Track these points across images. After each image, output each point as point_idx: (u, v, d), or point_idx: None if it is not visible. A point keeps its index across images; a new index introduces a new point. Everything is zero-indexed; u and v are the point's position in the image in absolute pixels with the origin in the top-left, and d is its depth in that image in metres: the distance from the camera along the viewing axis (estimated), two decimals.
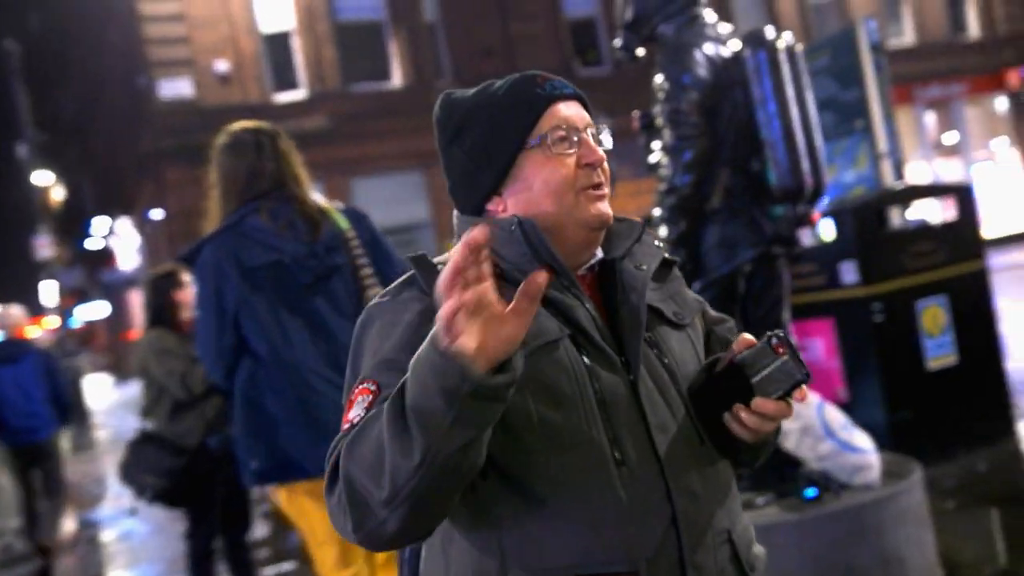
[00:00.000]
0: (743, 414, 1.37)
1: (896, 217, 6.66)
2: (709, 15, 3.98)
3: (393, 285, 1.46)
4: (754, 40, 3.82)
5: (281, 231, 3.03)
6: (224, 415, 4.10)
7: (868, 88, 6.74)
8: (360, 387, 1.33)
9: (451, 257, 1.12)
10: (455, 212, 1.55)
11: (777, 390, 1.34)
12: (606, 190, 1.45)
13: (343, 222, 3.18)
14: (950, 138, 26.29)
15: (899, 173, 6.87)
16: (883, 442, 4.53)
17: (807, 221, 4.05)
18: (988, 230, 25.84)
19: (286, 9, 19.51)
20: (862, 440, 3.99)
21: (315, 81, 19.56)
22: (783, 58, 3.78)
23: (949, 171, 25.84)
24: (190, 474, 4.47)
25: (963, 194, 6.28)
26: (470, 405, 1.12)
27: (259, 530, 6.39)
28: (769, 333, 1.36)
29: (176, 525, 5.86)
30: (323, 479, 1.30)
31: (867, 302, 5.54)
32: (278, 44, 19.58)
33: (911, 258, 5.72)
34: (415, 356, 1.17)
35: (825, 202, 5.52)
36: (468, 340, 1.10)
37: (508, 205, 1.45)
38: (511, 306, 1.13)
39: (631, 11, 3.99)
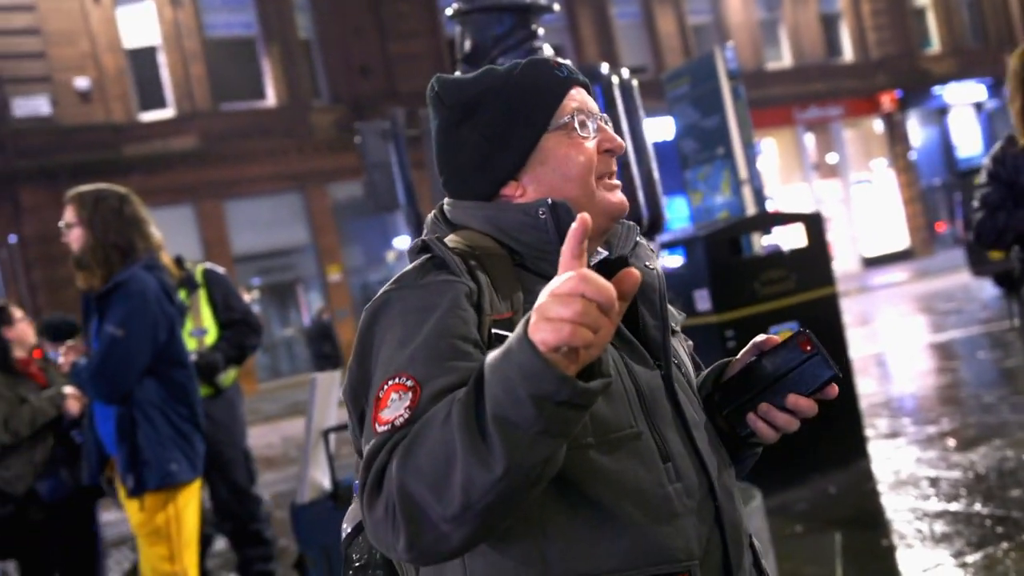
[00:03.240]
0: (774, 412, 1.37)
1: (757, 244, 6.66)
2: (547, 49, 3.94)
3: (408, 270, 1.34)
4: (589, 76, 3.73)
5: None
6: (54, 459, 4.17)
7: (727, 115, 6.67)
8: (393, 382, 1.19)
9: (577, 227, 1.04)
10: (447, 202, 1.48)
11: (809, 388, 1.35)
12: (619, 182, 1.46)
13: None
14: (831, 159, 26.95)
15: (760, 199, 6.80)
16: None
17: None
18: (866, 250, 26.60)
19: (151, 24, 18.69)
20: None
21: (184, 99, 18.74)
22: (617, 93, 4.04)
23: (830, 192, 26.48)
24: (20, 523, 4.19)
25: (812, 222, 6.26)
26: (562, 414, 1.03)
27: None
28: (794, 331, 1.38)
29: None
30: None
31: (720, 328, 5.57)
32: (144, 60, 18.72)
33: (763, 285, 5.79)
34: (496, 354, 1.05)
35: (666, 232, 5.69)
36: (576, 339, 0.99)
37: (528, 190, 1.41)
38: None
39: (469, 43, 3.94)
